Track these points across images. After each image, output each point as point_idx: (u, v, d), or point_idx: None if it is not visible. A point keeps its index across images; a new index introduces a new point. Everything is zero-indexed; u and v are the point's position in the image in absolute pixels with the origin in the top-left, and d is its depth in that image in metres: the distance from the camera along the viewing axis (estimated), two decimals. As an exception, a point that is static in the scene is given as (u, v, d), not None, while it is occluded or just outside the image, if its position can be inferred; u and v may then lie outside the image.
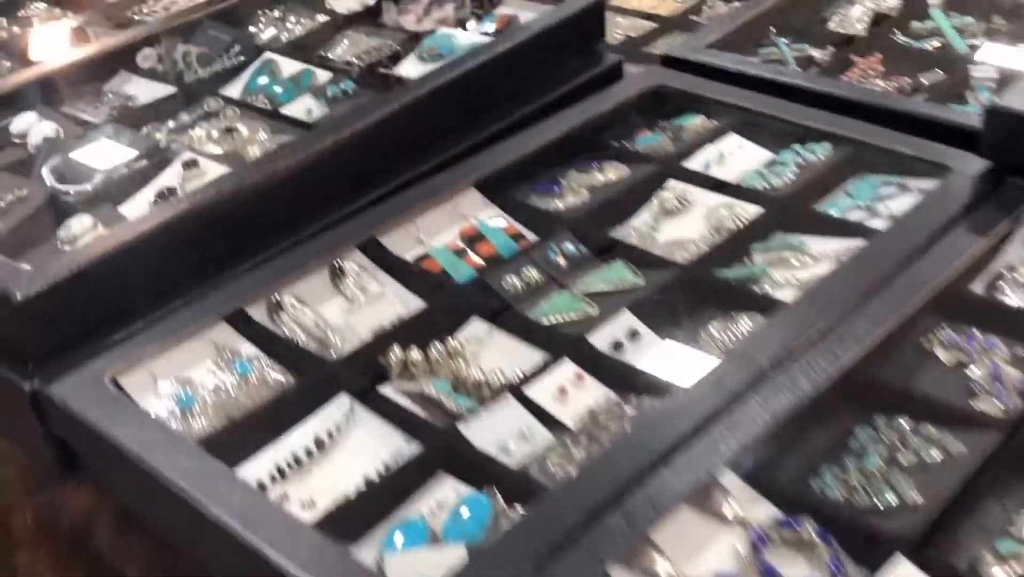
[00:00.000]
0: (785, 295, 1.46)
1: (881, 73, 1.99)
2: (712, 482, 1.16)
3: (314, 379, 1.39)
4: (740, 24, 2.06)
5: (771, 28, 2.14)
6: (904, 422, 1.26)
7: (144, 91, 2.01)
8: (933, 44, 2.06)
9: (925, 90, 1.93)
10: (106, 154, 1.77)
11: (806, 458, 1.24)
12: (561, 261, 1.56)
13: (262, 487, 1.25)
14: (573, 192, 1.73)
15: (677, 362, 1.36)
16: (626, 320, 1.42)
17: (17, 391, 1.38)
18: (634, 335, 1.41)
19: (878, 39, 2.09)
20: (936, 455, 1.22)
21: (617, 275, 1.52)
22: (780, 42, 2.11)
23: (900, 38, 2.09)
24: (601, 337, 1.40)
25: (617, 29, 2.40)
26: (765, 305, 1.43)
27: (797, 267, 1.53)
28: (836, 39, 2.11)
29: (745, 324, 1.40)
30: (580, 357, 1.38)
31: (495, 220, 1.65)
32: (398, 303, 1.51)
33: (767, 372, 1.27)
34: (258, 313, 1.48)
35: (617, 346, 1.39)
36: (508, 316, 1.48)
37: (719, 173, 1.73)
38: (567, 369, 1.35)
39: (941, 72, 1.96)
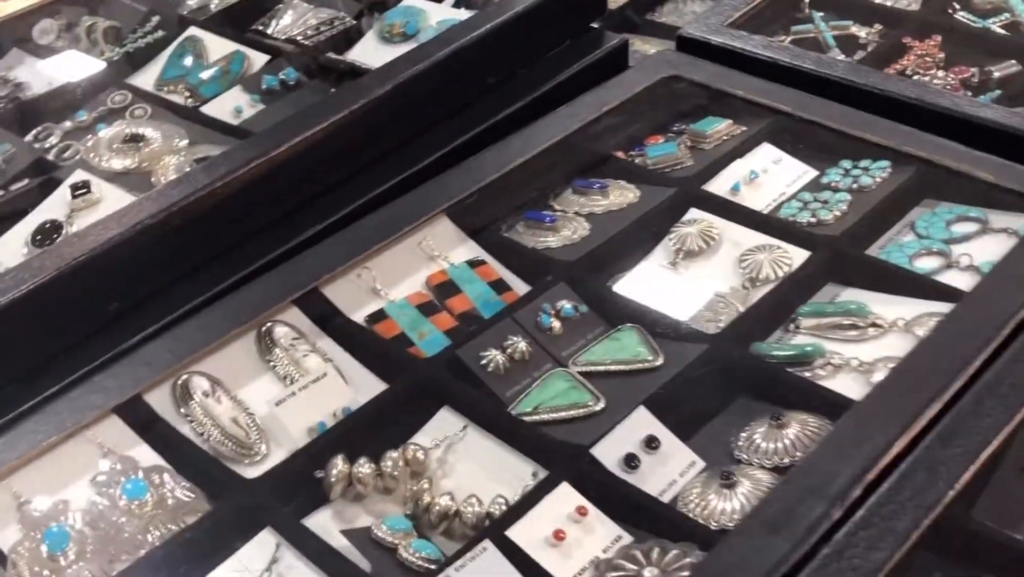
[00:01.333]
0: (846, 384, 1.13)
1: (941, 61, 1.64)
2: None
3: (228, 506, 1.05)
4: (772, -5, 1.70)
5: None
6: (1021, 590, 0.94)
7: (39, 77, 1.62)
8: (1001, 23, 1.70)
9: (995, 84, 1.58)
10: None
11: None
12: (555, 324, 1.21)
13: None
14: (569, 222, 1.38)
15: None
16: (642, 423, 1.08)
17: None
18: (652, 443, 1.07)
19: (935, 16, 1.74)
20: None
21: (628, 350, 1.18)
22: (817, 17, 1.75)
23: (960, 15, 1.73)
24: (609, 448, 1.06)
25: (615, -10, 2.02)
26: (823, 402, 1.10)
27: (857, 339, 1.19)
28: (884, 15, 1.75)
29: (797, 431, 1.07)
30: (582, 477, 1.04)
31: (472, 262, 1.31)
32: (344, 387, 1.17)
33: (832, 516, 0.94)
34: (159, 401, 1.14)
35: (630, 461, 1.05)
36: (488, 406, 1.14)
37: (751, 198, 1.39)
38: (565, 498, 1.02)
39: (1015, 63, 1.60)
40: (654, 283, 1.29)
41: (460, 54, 1.50)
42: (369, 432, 1.12)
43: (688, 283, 1.29)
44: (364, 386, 1.18)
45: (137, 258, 1.20)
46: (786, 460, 1.05)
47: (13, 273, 1.15)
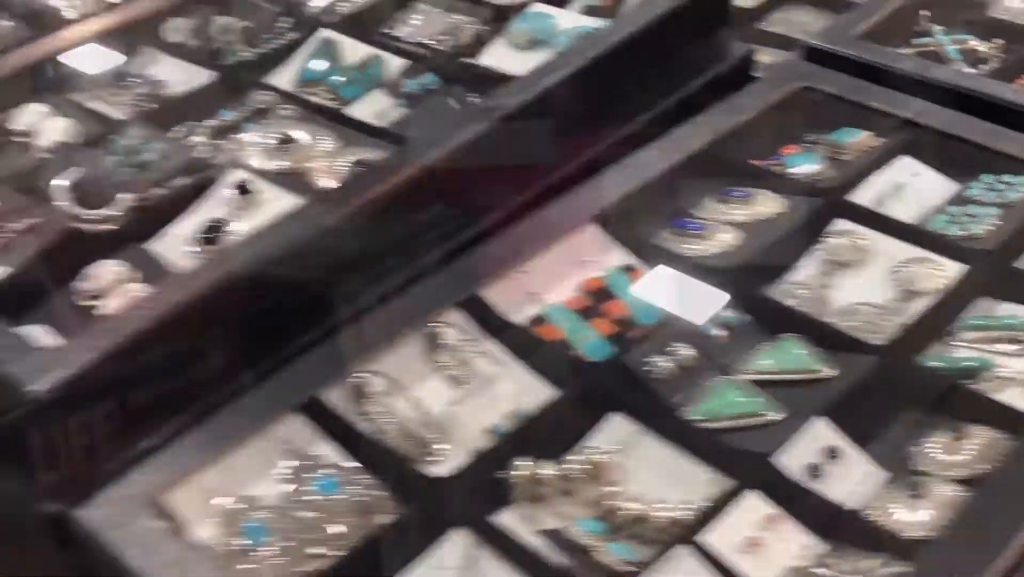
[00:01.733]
0: (1016, 397, 1.14)
1: (1066, 78, 1.65)
2: None
3: (418, 505, 1.06)
4: (896, 8, 1.71)
5: (924, 12, 1.79)
6: None
7: (175, 76, 1.64)
8: (1123, 41, 1.72)
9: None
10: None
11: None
12: (719, 332, 1.23)
13: None
14: (717, 230, 1.39)
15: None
16: (821, 433, 1.10)
17: (30, 516, 1.05)
18: (833, 453, 1.09)
19: (1055, 31, 1.75)
20: None
21: (794, 359, 1.19)
22: (937, 31, 1.76)
23: (1080, 31, 1.74)
24: (789, 457, 1.07)
25: (719, -2, 2.02)
26: (996, 415, 1.11)
27: (1019, 354, 1.20)
28: (1005, 30, 1.76)
29: (977, 444, 1.08)
30: (766, 485, 1.05)
31: (625, 268, 1.33)
32: (514, 389, 1.18)
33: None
34: (337, 400, 1.16)
35: (813, 471, 1.07)
36: (659, 413, 1.16)
37: (897, 211, 1.40)
38: (753, 506, 1.04)
39: None
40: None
41: (601, 62, 1.51)
42: (543, 435, 1.13)
43: (837, 292, 1.31)
44: (532, 389, 1.19)
45: (314, 261, 1.21)
46: (969, 473, 1.06)
47: (195, 272, 1.17)
